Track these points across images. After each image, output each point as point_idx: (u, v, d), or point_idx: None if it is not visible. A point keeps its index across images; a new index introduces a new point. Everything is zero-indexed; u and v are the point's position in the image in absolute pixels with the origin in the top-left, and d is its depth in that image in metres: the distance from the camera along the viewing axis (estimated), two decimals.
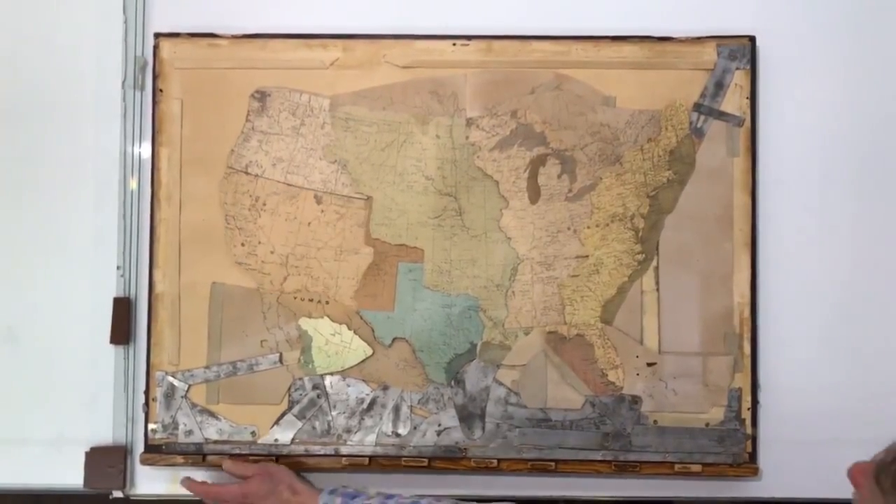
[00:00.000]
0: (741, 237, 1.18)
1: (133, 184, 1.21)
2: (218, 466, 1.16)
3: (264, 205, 1.19)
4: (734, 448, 1.16)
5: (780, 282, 1.19)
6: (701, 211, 1.18)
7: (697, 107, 1.18)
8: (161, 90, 1.19)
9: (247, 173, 1.19)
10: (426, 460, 1.17)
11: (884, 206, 1.21)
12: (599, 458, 1.16)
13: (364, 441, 1.17)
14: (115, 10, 1.22)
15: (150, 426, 1.18)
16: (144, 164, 1.20)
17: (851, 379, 1.18)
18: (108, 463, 1.19)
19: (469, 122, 1.18)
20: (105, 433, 1.20)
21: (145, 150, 1.21)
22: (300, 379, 1.18)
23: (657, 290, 1.17)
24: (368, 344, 1.18)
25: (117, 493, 1.20)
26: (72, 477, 1.19)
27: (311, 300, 1.18)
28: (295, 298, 1.18)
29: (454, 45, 1.19)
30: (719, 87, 1.18)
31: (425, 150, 1.19)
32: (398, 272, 1.18)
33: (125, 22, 1.21)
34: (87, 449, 1.19)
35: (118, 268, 1.20)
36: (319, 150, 1.19)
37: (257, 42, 1.19)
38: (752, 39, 1.18)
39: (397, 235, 1.18)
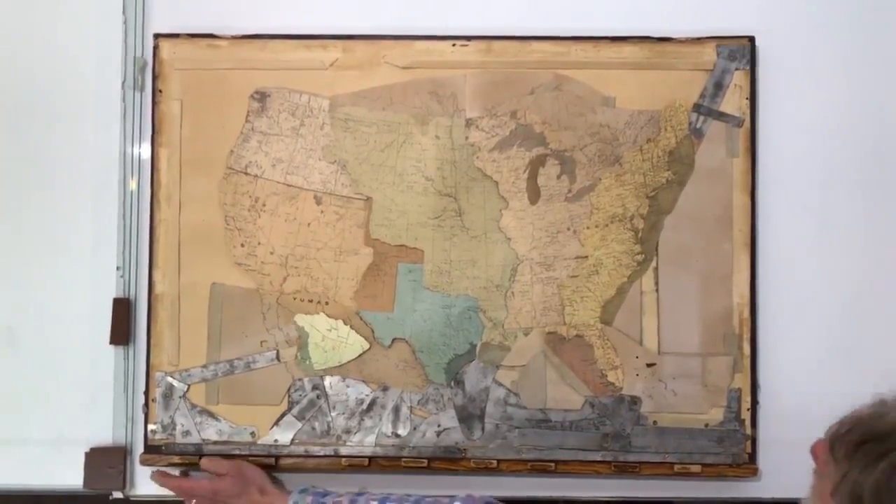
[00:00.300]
0: (741, 238, 1.18)
1: (133, 184, 1.21)
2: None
3: (264, 205, 1.19)
4: (734, 448, 1.16)
5: (779, 282, 1.19)
6: (700, 211, 1.18)
7: (697, 107, 1.18)
8: (161, 91, 1.19)
9: (246, 174, 1.19)
10: (426, 461, 1.17)
11: (884, 206, 1.21)
12: (599, 458, 1.16)
13: (364, 442, 1.17)
14: (114, 10, 1.22)
15: (150, 427, 1.18)
16: (144, 165, 1.20)
17: (851, 379, 1.18)
18: (107, 463, 1.19)
19: (469, 123, 1.18)
20: (105, 434, 1.20)
21: (145, 150, 1.21)
22: (300, 379, 1.18)
23: (657, 290, 1.17)
24: (365, 338, 1.18)
25: (117, 494, 1.20)
26: (71, 477, 1.19)
27: (310, 301, 1.18)
28: (295, 299, 1.18)
29: (454, 45, 1.19)
30: (719, 87, 1.18)
31: (425, 151, 1.19)
32: (398, 273, 1.18)
33: (125, 22, 1.21)
34: (87, 449, 1.19)
35: (118, 268, 1.20)
36: (319, 151, 1.19)
37: (257, 43, 1.19)
38: (752, 40, 1.18)
39: (397, 236, 1.18)
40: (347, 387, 1.18)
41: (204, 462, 1.16)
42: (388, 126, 1.19)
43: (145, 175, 1.20)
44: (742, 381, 1.17)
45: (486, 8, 1.21)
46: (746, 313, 1.17)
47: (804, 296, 1.19)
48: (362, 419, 1.18)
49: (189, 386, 1.18)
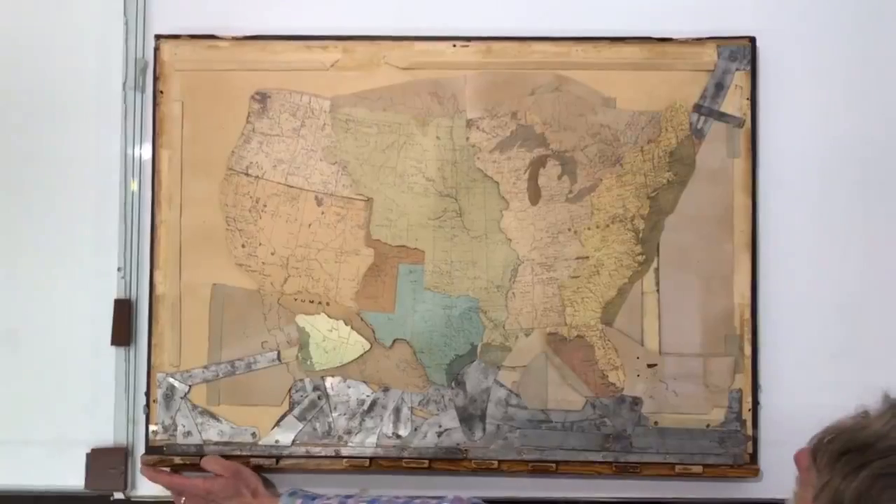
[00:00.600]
0: (741, 238, 1.18)
1: (134, 185, 1.21)
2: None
3: (265, 206, 1.19)
4: (735, 449, 1.16)
5: (780, 283, 1.19)
6: (701, 212, 1.18)
7: (698, 108, 1.18)
8: (161, 92, 1.19)
9: (247, 175, 1.19)
10: (427, 462, 1.17)
11: (884, 206, 1.21)
12: (600, 459, 1.16)
13: (365, 442, 1.17)
14: (115, 11, 1.22)
15: (151, 427, 1.18)
16: (145, 166, 1.21)
17: (851, 380, 1.18)
18: (109, 464, 1.19)
19: (469, 124, 1.18)
20: (106, 434, 1.20)
21: (146, 151, 1.21)
22: (301, 380, 1.18)
23: (657, 291, 1.17)
24: (366, 339, 1.18)
25: (118, 495, 1.20)
26: (73, 478, 1.19)
27: (311, 301, 1.18)
28: (296, 300, 1.18)
29: (454, 46, 1.19)
30: (719, 88, 1.18)
31: (425, 152, 1.19)
32: (398, 273, 1.18)
33: (126, 23, 1.21)
34: (89, 450, 1.19)
35: (119, 269, 1.20)
36: (320, 152, 1.19)
37: (258, 43, 1.19)
38: (753, 40, 1.18)
39: (398, 237, 1.18)
40: (348, 387, 1.18)
41: (204, 461, 1.15)
42: (388, 127, 1.19)
43: (146, 176, 1.20)
44: (743, 382, 1.17)
45: (486, 9, 1.21)
46: (747, 314, 1.17)
47: (805, 296, 1.19)
48: (363, 420, 1.18)
49: (190, 387, 1.18)
